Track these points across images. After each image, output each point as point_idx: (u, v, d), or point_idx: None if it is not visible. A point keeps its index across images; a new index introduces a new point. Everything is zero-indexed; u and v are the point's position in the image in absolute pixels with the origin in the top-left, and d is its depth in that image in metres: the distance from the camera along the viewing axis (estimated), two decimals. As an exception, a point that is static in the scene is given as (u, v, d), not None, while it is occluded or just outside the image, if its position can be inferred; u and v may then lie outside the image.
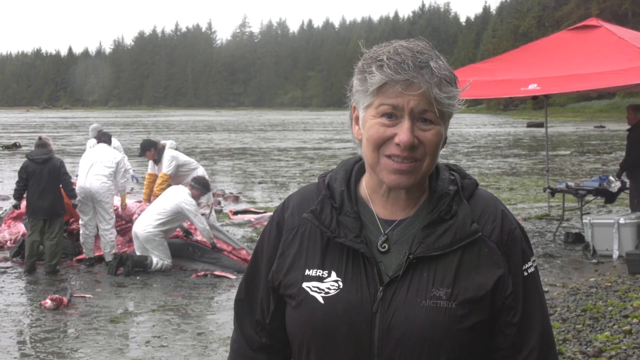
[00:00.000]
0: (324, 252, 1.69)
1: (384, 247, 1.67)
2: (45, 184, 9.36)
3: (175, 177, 10.95)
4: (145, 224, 9.44)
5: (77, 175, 10.34)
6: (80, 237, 9.93)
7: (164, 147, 11.13)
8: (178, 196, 9.56)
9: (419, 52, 1.61)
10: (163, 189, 10.46)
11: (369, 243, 1.67)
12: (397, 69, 1.58)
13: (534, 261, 1.73)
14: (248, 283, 1.84)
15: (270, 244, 1.78)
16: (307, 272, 1.69)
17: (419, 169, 1.63)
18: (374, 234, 1.69)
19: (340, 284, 1.65)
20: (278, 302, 1.76)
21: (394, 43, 1.64)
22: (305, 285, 1.68)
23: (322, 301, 1.65)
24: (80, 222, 9.90)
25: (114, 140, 12.06)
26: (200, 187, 9.81)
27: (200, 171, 11.14)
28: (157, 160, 11.11)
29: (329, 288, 1.66)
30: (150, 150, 11.06)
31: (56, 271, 9.39)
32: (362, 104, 1.65)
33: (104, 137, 10.59)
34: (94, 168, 9.81)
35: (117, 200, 10.46)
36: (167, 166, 10.90)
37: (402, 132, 1.59)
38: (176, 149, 11.51)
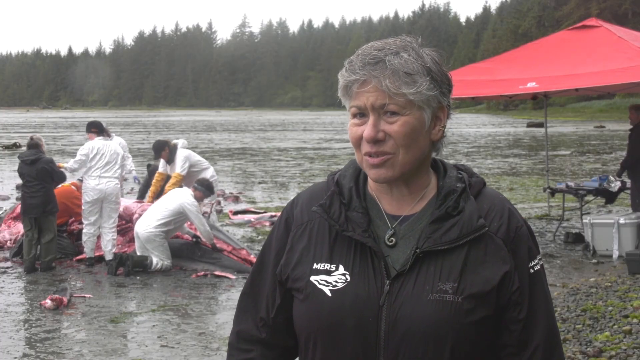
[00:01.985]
0: (332, 246, 1.72)
1: (392, 240, 1.69)
2: (35, 183, 9.50)
3: (186, 177, 10.94)
4: (147, 224, 9.46)
5: (80, 179, 10.31)
6: (83, 236, 9.92)
7: (175, 146, 11.18)
8: (181, 197, 9.58)
9: (377, 50, 1.66)
10: None
11: (377, 238, 1.70)
12: (351, 69, 1.66)
13: (540, 259, 1.74)
14: (254, 278, 1.85)
15: (278, 239, 1.80)
16: (315, 265, 1.71)
17: (394, 162, 1.66)
18: (381, 229, 1.71)
19: (348, 277, 1.68)
20: (284, 296, 1.78)
21: (366, 45, 1.70)
22: (313, 278, 1.70)
23: (329, 294, 1.67)
24: (85, 221, 9.88)
25: (119, 139, 12.07)
26: (204, 188, 9.83)
27: (210, 172, 11.21)
28: (170, 160, 11.11)
29: (336, 281, 1.68)
30: (165, 150, 11.14)
31: (51, 267, 9.46)
32: (347, 109, 1.72)
33: (94, 128, 10.44)
34: (106, 170, 9.81)
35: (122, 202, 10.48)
36: (180, 166, 10.95)
37: (366, 129, 1.65)
38: (187, 148, 11.55)
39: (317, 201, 1.76)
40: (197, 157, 11.37)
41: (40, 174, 9.51)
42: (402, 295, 1.64)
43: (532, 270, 1.71)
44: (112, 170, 9.84)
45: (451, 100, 1.72)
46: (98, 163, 9.85)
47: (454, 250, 1.66)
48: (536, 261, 1.72)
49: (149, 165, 13.94)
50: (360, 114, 1.67)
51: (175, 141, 11.44)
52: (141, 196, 12.98)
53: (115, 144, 10.22)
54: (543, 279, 1.73)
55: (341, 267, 1.69)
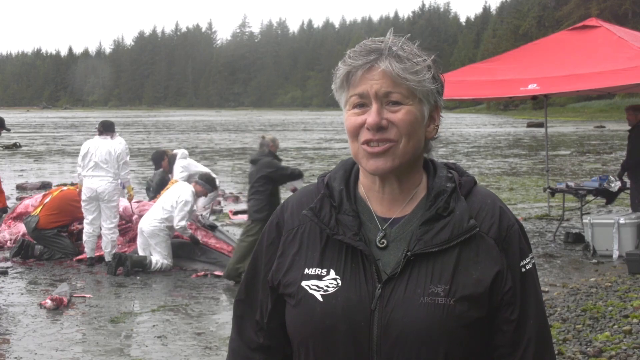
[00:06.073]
0: (323, 251, 1.71)
1: (383, 242, 1.68)
2: None
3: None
4: (152, 219, 9.54)
5: (78, 174, 10.30)
6: (84, 235, 9.92)
7: (174, 156, 11.38)
8: (179, 190, 9.67)
9: (379, 41, 1.67)
10: None
11: (368, 241, 1.69)
12: (355, 56, 1.65)
13: (531, 258, 1.74)
14: (248, 284, 1.85)
15: (269, 244, 1.79)
16: (306, 270, 1.70)
17: (395, 151, 1.65)
18: (372, 232, 1.70)
19: (339, 282, 1.67)
20: (276, 301, 1.77)
21: (365, 40, 1.71)
22: (304, 283, 1.69)
23: (321, 299, 1.66)
24: (85, 220, 9.89)
25: (119, 139, 12.05)
26: (204, 182, 9.89)
27: None
28: (170, 170, 11.37)
29: (327, 286, 1.67)
30: (164, 159, 11.47)
31: None
32: (341, 104, 1.71)
33: (104, 127, 10.43)
34: (97, 170, 9.80)
35: (121, 202, 10.45)
36: (177, 174, 11.19)
37: (370, 116, 1.64)
38: (188, 157, 11.68)
39: (307, 204, 1.75)
40: (196, 168, 11.49)
41: None
42: (393, 299, 1.63)
43: (523, 270, 1.70)
44: (104, 169, 9.80)
45: (443, 102, 1.73)
46: (89, 163, 9.89)
47: (445, 252, 1.65)
48: (528, 260, 1.71)
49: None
50: (361, 104, 1.65)
51: (175, 151, 11.62)
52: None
53: (112, 144, 10.15)
54: (535, 278, 1.73)
55: (332, 272, 1.68)
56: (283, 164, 9.71)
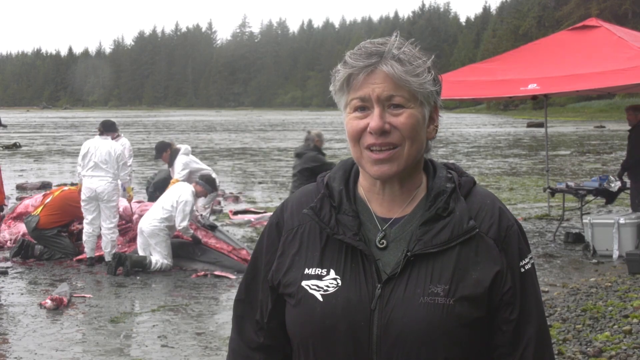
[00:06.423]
0: (323, 251, 1.71)
1: (382, 243, 1.68)
2: None
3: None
4: (152, 218, 9.54)
5: (78, 174, 10.29)
6: (84, 235, 9.92)
7: (177, 150, 11.27)
8: (179, 190, 9.69)
9: (380, 44, 1.66)
10: None
11: (367, 241, 1.69)
12: (357, 58, 1.64)
13: (531, 258, 1.74)
14: (248, 284, 1.85)
15: (269, 244, 1.79)
16: (306, 270, 1.70)
17: (399, 156, 1.64)
18: (372, 232, 1.70)
19: (339, 281, 1.67)
20: (276, 301, 1.77)
21: (365, 41, 1.70)
22: (304, 283, 1.69)
23: (321, 299, 1.67)
24: (85, 220, 9.89)
25: (125, 140, 12.03)
26: (204, 183, 9.89)
27: None
28: (170, 163, 11.22)
29: (327, 286, 1.67)
30: (167, 151, 11.32)
31: None
32: (341, 106, 1.71)
33: (104, 127, 10.41)
34: (96, 170, 9.80)
35: (121, 202, 10.45)
36: (178, 172, 11.08)
37: (372, 120, 1.63)
38: (190, 154, 11.59)
39: (307, 204, 1.75)
40: (197, 165, 11.43)
41: None
42: (393, 299, 1.63)
43: (523, 270, 1.70)
44: (104, 169, 9.80)
45: (442, 103, 1.73)
46: (89, 163, 9.88)
47: (445, 252, 1.65)
48: (527, 260, 1.72)
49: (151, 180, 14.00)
50: (362, 107, 1.65)
51: (178, 145, 11.53)
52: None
53: (112, 144, 10.15)
54: (534, 278, 1.73)
55: (332, 272, 1.68)
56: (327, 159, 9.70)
